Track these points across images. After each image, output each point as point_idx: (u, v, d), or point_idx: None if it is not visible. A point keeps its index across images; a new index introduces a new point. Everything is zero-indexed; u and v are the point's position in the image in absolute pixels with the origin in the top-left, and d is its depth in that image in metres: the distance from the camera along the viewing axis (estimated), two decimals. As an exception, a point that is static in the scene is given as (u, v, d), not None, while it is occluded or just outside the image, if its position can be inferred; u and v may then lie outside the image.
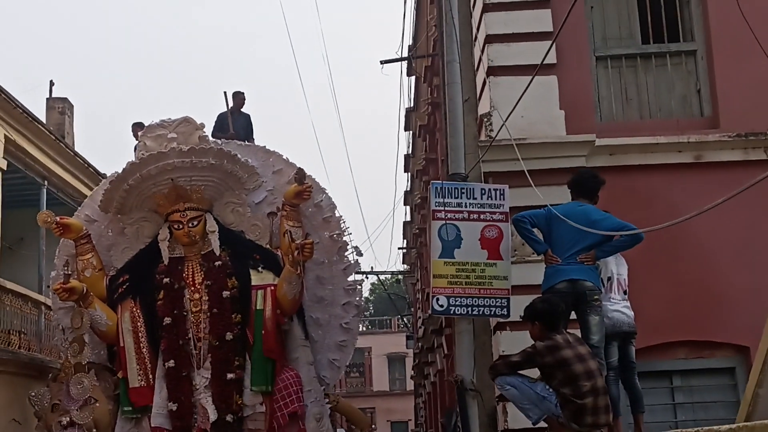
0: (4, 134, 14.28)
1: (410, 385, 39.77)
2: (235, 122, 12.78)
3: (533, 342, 6.61)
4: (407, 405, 41.72)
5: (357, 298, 10.04)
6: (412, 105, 20.34)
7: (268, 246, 9.40)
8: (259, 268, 9.12)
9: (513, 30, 8.82)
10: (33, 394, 9.52)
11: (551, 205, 7.00)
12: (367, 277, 31.25)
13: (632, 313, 7.28)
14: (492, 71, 8.88)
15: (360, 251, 10.01)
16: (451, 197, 7.42)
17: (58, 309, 9.95)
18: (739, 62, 8.73)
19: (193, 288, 9.00)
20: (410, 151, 22.95)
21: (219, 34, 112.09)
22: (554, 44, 8.61)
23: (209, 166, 9.11)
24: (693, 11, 9.15)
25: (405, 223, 27.84)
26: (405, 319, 34.20)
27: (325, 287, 9.75)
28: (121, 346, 9.01)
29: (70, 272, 8.94)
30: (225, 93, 13.11)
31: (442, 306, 7.35)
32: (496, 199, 7.54)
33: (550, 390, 6.35)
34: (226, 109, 12.96)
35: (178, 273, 9.08)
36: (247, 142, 10.99)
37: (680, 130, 8.74)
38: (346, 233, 9.86)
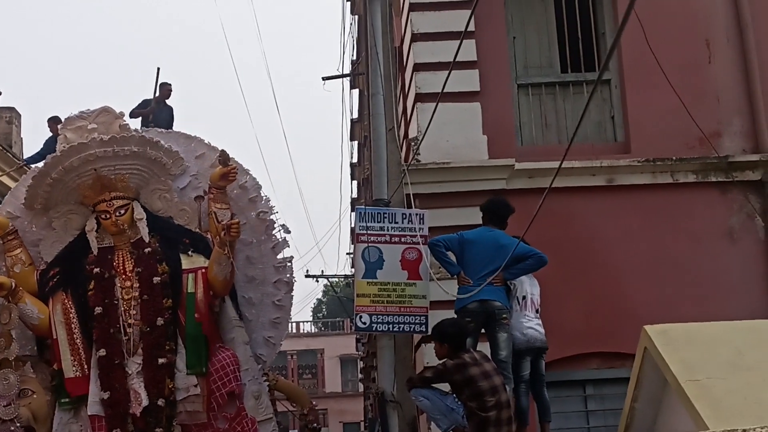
0: (-40, 154, 14.55)
1: (362, 386, 40.14)
2: (158, 113, 12.82)
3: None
4: (359, 406, 41.83)
5: (287, 275, 9.92)
6: (356, 116, 20.86)
7: (197, 230, 9.37)
8: (189, 252, 9.10)
9: (439, 59, 9.24)
10: None
11: (463, 231, 7.59)
12: (318, 281, 31.73)
13: (543, 329, 7.77)
14: (420, 98, 9.44)
15: (288, 228, 9.99)
16: (374, 221, 8.06)
17: None
18: (649, 91, 9.35)
19: (124, 276, 8.94)
20: (356, 160, 23.49)
21: (166, 35, 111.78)
22: (478, 72, 9.21)
23: (132, 154, 9.05)
24: (608, 43, 9.77)
25: (352, 229, 28.32)
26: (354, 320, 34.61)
27: (256, 266, 9.73)
28: (54, 338, 8.88)
29: None
30: (158, 69, 13.04)
31: (365, 323, 8.07)
32: (416, 223, 8.11)
33: (459, 403, 6.90)
34: (152, 97, 12.90)
35: (109, 262, 9.01)
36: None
37: (595, 155, 9.30)
38: (272, 212, 9.81)
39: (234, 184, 9.31)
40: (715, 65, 9.56)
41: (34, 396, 8.72)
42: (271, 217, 9.69)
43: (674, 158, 9.20)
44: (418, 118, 9.43)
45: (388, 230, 8.04)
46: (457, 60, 9.44)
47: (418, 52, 9.52)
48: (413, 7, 9.67)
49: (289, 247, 9.95)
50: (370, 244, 7.99)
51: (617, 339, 9.00)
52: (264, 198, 9.74)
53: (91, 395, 8.66)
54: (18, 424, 8.53)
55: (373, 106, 8.32)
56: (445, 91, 9.22)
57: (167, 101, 13.37)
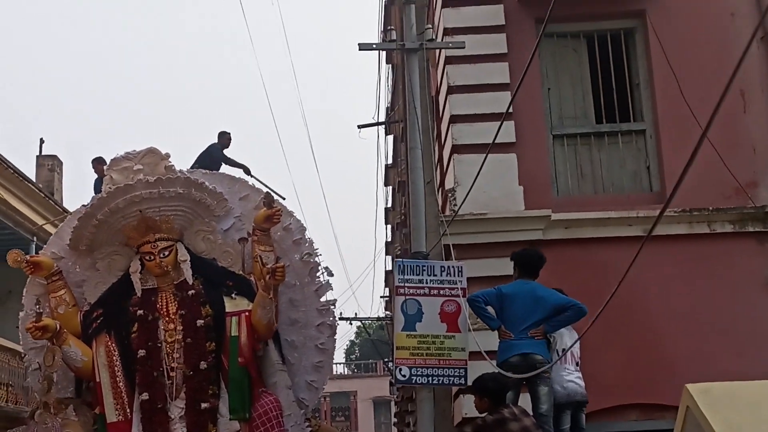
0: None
1: (395, 430, 39.89)
2: (223, 159, 12.86)
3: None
4: None
5: (330, 318, 9.76)
6: (390, 162, 21.05)
7: (240, 272, 9.21)
8: (233, 295, 8.94)
9: (475, 111, 9.41)
10: None
11: (500, 285, 7.67)
12: (351, 323, 31.74)
13: (583, 383, 7.71)
14: (456, 149, 9.50)
15: (331, 271, 9.78)
16: (413, 274, 8.13)
17: (29, 349, 9.60)
18: (684, 141, 9.31)
19: (167, 318, 8.80)
20: (390, 205, 23.65)
21: (203, 90, 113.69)
22: (513, 123, 9.32)
23: (177, 196, 8.95)
24: (642, 93, 9.76)
25: (387, 272, 28.44)
26: (389, 364, 34.56)
27: (299, 309, 9.57)
28: (97, 381, 8.72)
29: (41, 310, 8.68)
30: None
31: (404, 376, 8.08)
32: (454, 275, 8.18)
33: None
34: (213, 145, 12.93)
35: (152, 304, 8.86)
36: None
37: (630, 205, 9.34)
38: (316, 254, 9.68)
39: (278, 226, 9.18)
40: (750, 115, 9.53)
41: None
42: (315, 259, 9.56)
43: (711, 208, 9.19)
44: (455, 169, 9.53)
45: (426, 283, 8.10)
46: (492, 111, 9.63)
47: (454, 104, 9.59)
48: (449, 60, 9.69)
49: (332, 290, 9.74)
50: (409, 297, 8.05)
51: (656, 390, 8.94)
52: (308, 240, 9.61)
53: None
54: None
55: (411, 160, 8.39)
56: (481, 142, 9.38)
57: (225, 150, 13.33)
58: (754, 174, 9.38)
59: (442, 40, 9.88)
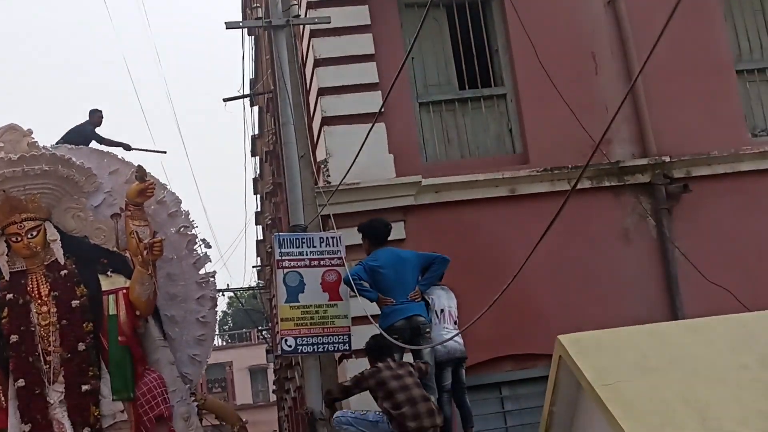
0: None
1: (273, 397, 40.01)
2: (97, 139, 12.28)
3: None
4: (272, 416, 41.48)
5: (211, 291, 9.71)
6: (256, 132, 21.00)
7: (115, 249, 9.03)
8: (109, 273, 8.79)
9: (342, 83, 9.47)
10: None
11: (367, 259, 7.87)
12: (224, 294, 31.63)
13: (462, 340, 7.94)
14: (326, 121, 9.49)
15: (208, 243, 9.71)
16: (293, 247, 8.08)
17: None
18: (543, 104, 9.53)
19: (39, 301, 8.56)
20: (258, 175, 23.62)
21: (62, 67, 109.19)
22: (380, 93, 9.54)
23: (43, 173, 8.68)
24: (501, 59, 9.94)
25: (258, 242, 28.39)
26: (264, 332, 34.59)
27: (177, 283, 9.47)
28: None
29: None
30: None
31: (290, 346, 7.88)
32: (333, 245, 8.19)
33: (379, 413, 7.26)
34: (84, 123, 12.37)
35: (22, 287, 8.59)
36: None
37: (496, 167, 9.52)
38: (193, 227, 9.56)
39: (152, 199, 9.02)
40: (601, 76, 9.83)
41: None
42: (192, 232, 9.48)
43: (570, 166, 9.40)
44: (326, 141, 9.51)
45: (307, 254, 8.16)
46: (360, 83, 9.80)
47: (322, 77, 9.56)
48: (314, 34, 9.57)
49: (211, 261, 9.69)
50: (289, 270, 8.09)
51: (528, 341, 9.30)
52: (184, 213, 9.49)
53: (10, 428, 8.29)
54: None
55: (284, 135, 8.40)
56: (350, 113, 9.56)
57: (98, 129, 12.74)
58: (608, 132, 9.92)
59: (306, 14, 9.87)
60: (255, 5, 9.93)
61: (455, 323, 8.02)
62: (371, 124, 8.27)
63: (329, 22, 9.13)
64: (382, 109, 8.96)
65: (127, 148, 12.49)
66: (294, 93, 8.49)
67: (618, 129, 9.75)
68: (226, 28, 8.90)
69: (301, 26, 9.69)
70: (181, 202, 9.53)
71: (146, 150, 13.68)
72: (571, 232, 9.45)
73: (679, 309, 9.30)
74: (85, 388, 8.29)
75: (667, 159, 9.66)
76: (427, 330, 7.70)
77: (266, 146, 18.29)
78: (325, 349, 8.06)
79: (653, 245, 9.61)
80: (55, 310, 8.50)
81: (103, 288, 8.67)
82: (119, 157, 9.58)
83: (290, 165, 8.42)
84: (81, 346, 8.37)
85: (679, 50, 9.73)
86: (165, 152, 14.45)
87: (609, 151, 9.63)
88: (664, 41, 4.32)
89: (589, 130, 9.28)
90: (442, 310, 7.98)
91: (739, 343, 5.27)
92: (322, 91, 9.52)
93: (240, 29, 10.70)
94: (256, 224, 27.29)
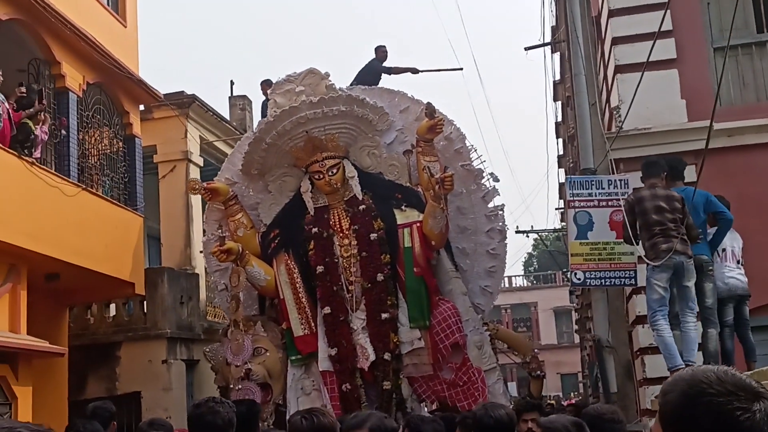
0: (199, 135, 16.52)
1: (577, 338, 40.48)
2: (386, 71, 12.38)
3: None
4: (575, 357, 41.70)
5: (500, 223, 9.71)
6: (558, 78, 21.47)
7: (408, 184, 9.20)
8: (403, 207, 9.00)
9: (635, 31, 9.47)
10: (207, 349, 9.52)
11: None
12: (528, 236, 32.46)
13: (746, 278, 7.80)
14: (619, 69, 9.44)
15: (496, 177, 9.67)
16: (583, 189, 8.56)
17: (213, 271, 9.91)
18: None
19: (341, 234, 8.93)
20: (561, 119, 24.10)
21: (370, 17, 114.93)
22: (674, 40, 9.80)
23: (340, 114, 8.97)
24: None
25: (560, 185, 28.92)
26: (568, 274, 35.07)
27: (467, 217, 9.55)
28: (281, 298, 8.94)
29: (223, 234, 8.86)
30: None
31: (579, 279, 8.50)
32: (621, 187, 8.53)
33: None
34: (372, 61, 12.41)
35: (325, 221, 8.99)
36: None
37: None
38: (480, 161, 9.51)
39: (440, 136, 9.10)
40: None
41: (268, 354, 8.86)
42: (479, 166, 9.47)
43: None
44: (618, 88, 9.49)
45: (596, 196, 8.54)
46: (653, 30, 10.06)
47: (615, 26, 9.63)
48: None
49: (499, 195, 9.64)
50: (580, 209, 8.49)
51: None
52: (470, 147, 9.50)
53: (320, 352, 8.75)
54: (254, 381, 8.67)
55: (576, 85, 8.84)
56: (642, 60, 9.90)
57: (384, 64, 12.77)
58: None
59: None
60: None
61: (738, 262, 8.19)
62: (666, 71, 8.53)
63: None
64: (674, 56, 9.26)
65: (415, 71, 12.57)
66: (585, 45, 8.96)
67: None
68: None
69: (596, -23, 10.11)
70: (465, 137, 9.51)
71: (441, 70, 13.54)
72: None
73: None
74: (384, 315, 8.60)
75: None
76: (710, 268, 7.97)
77: (568, 91, 18.73)
78: (613, 283, 8.43)
79: None
80: (356, 242, 8.82)
81: (399, 221, 8.90)
82: (409, 95, 9.67)
83: (581, 113, 8.91)
84: (380, 277, 8.68)
85: None
86: (461, 68, 14.26)
87: None
88: None
89: None
90: (723, 250, 7.93)
91: None
92: (616, 41, 9.80)
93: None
94: (559, 167, 27.79)
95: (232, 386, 8.60)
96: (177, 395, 13.08)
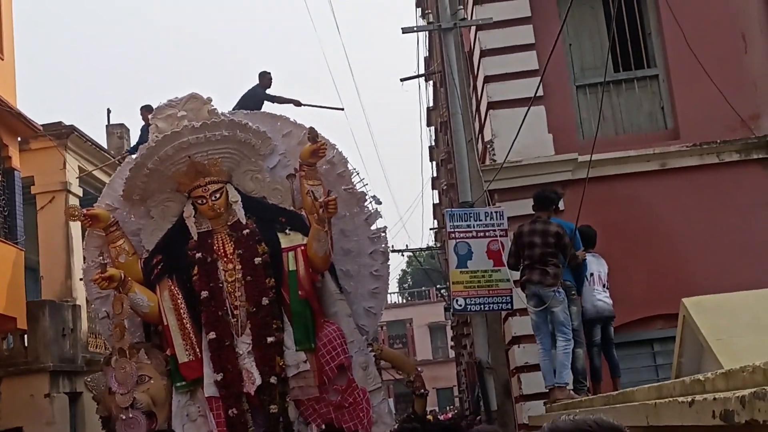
0: (78, 166, 16.43)
1: (452, 353, 41.42)
2: (269, 98, 12.29)
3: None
4: (450, 372, 42.08)
5: (383, 245, 9.78)
6: (431, 105, 22.32)
7: (291, 208, 9.18)
8: (287, 231, 8.98)
9: (506, 70, 10.11)
10: (89, 379, 9.22)
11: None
12: (403, 255, 33.29)
13: (611, 301, 8.48)
14: (491, 105, 10.03)
15: (378, 199, 9.75)
16: (462, 221, 9.15)
17: (94, 299, 9.56)
18: (693, 83, 9.81)
19: (225, 259, 8.83)
20: (434, 143, 25.02)
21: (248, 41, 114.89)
22: (540, 79, 10.59)
23: (223, 138, 8.88)
24: (654, 42, 10.26)
25: (434, 205, 29.93)
26: (442, 291, 36.02)
27: (350, 239, 9.60)
28: (165, 324, 8.78)
29: (105, 261, 8.66)
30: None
31: (460, 306, 8.99)
32: (496, 219, 9.14)
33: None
34: (255, 86, 12.27)
35: (209, 246, 8.86)
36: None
37: (648, 143, 9.97)
38: (363, 184, 9.57)
39: (322, 159, 9.15)
40: (750, 55, 10.04)
41: (152, 381, 8.70)
42: (362, 189, 9.57)
43: (719, 141, 9.71)
44: (491, 123, 9.97)
45: (474, 227, 9.13)
46: (521, 70, 10.82)
47: (487, 65, 10.16)
48: (480, 27, 10.25)
49: (381, 217, 9.76)
50: (459, 240, 9.02)
51: (677, 302, 10.21)
52: (353, 171, 9.59)
53: (206, 377, 8.61)
54: (139, 410, 8.50)
55: (453, 123, 9.49)
56: (512, 98, 10.63)
57: (268, 90, 12.73)
58: (756, 107, 9.91)
59: (473, 12, 10.36)
60: (427, 11, 11.11)
61: (604, 286, 8.92)
62: (534, 107, 9.20)
63: (491, 22, 9.77)
64: (542, 93, 9.97)
65: (298, 104, 12.53)
66: (461, 85, 9.63)
67: (766, 105, 9.89)
68: (403, 33, 10.11)
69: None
70: (348, 162, 9.56)
71: (323, 107, 13.57)
72: (721, 202, 10.00)
73: (829, 272, 8.97)
74: (270, 339, 8.55)
75: (816, 131, 9.12)
76: (573, 293, 8.68)
77: (441, 117, 19.55)
78: (491, 308, 8.97)
79: (799, 214, 9.15)
80: (240, 267, 8.74)
81: (283, 245, 8.86)
82: (291, 120, 9.63)
83: (459, 150, 9.50)
84: (265, 301, 8.62)
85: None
86: (342, 109, 14.35)
87: (757, 126, 9.80)
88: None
89: (737, 107, 9.91)
90: (591, 274, 8.49)
91: None
92: (488, 79, 10.33)
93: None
94: (433, 189, 28.82)
95: (115, 415, 8.39)
96: (60, 429, 12.91)
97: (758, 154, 9.98)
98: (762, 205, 9.95)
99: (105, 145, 17.26)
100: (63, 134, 14.61)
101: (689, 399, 2.96)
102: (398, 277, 59.25)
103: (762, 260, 9.81)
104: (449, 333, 38.42)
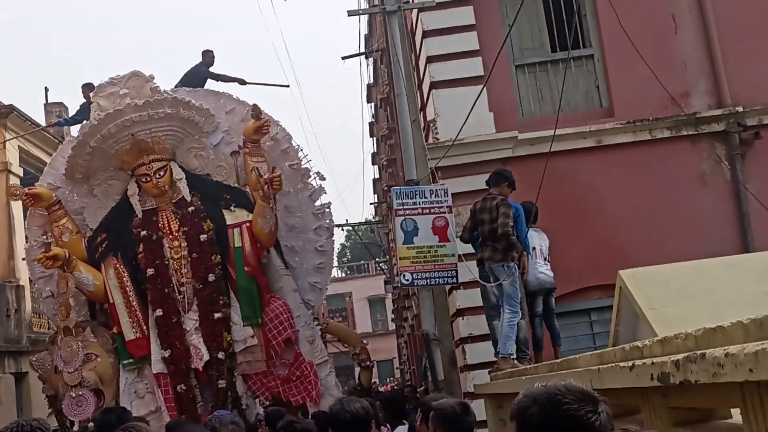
0: (18, 145, 16.30)
1: (392, 325, 41.86)
2: (213, 77, 11.97)
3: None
4: (390, 344, 42.20)
5: (327, 221, 9.87)
6: (371, 81, 22.54)
7: (235, 185, 9.19)
8: (232, 207, 9.04)
9: (447, 51, 10.27)
10: (34, 359, 9.18)
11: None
12: (343, 229, 33.54)
13: (552, 273, 8.79)
14: (434, 85, 10.19)
15: (323, 176, 9.82)
16: (408, 198, 9.19)
17: (38, 279, 9.49)
18: (627, 62, 10.07)
19: (171, 236, 8.85)
20: (374, 119, 25.24)
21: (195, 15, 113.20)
22: (481, 59, 10.88)
23: (166, 116, 8.87)
24: (589, 23, 10.56)
25: (374, 180, 30.17)
26: (381, 264, 36.34)
27: (295, 215, 9.67)
28: (111, 302, 8.78)
29: (48, 240, 8.65)
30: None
31: (407, 280, 9.16)
32: (441, 196, 9.30)
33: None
34: (198, 64, 12.01)
35: (154, 224, 8.86)
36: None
37: (584, 121, 10.24)
38: (305, 160, 9.64)
39: (266, 136, 9.20)
40: (680, 35, 10.44)
41: (99, 359, 8.71)
42: (305, 165, 9.64)
43: (651, 118, 10.07)
44: (434, 102, 10.19)
45: (419, 204, 9.25)
46: (462, 50, 11.09)
47: (429, 46, 10.31)
48: (422, 9, 10.45)
49: (326, 193, 9.85)
50: (406, 217, 9.18)
51: (613, 273, 10.68)
52: (296, 147, 9.63)
53: (153, 354, 8.66)
54: (86, 388, 8.49)
55: (399, 104, 9.67)
56: (454, 77, 10.90)
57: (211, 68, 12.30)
58: (686, 86, 10.31)
59: None
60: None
61: (545, 259, 9.27)
62: (475, 87, 9.48)
63: (434, 4, 10.02)
64: (483, 73, 10.26)
65: (243, 82, 12.34)
66: (405, 67, 9.88)
67: (695, 83, 10.24)
68: (348, 15, 10.28)
69: (412, 1, 11.03)
70: (291, 138, 9.63)
71: (268, 84, 13.76)
72: (653, 177, 10.28)
73: (750, 243, 9.82)
74: (217, 315, 8.61)
75: (741, 109, 10.08)
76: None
77: (381, 94, 19.78)
78: (437, 282, 9.15)
79: (727, 187, 10.18)
80: (186, 244, 8.78)
81: (228, 222, 8.93)
82: (234, 97, 9.64)
83: (404, 129, 9.74)
84: (211, 277, 8.67)
85: (754, 7, 10.71)
86: (288, 86, 14.79)
87: (687, 104, 10.15)
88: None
89: (668, 86, 10.33)
90: (533, 248, 8.75)
91: (765, 275, 6.54)
92: (430, 59, 10.31)
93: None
94: (373, 164, 29.05)
95: (62, 394, 8.35)
96: (7, 409, 12.84)
97: (688, 130, 10.37)
98: (691, 179, 10.40)
99: (44, 125, 17.02)
100: (2, 114, 14.36)
101: (630, 364, 3.28)
102: (337, 251, 59.20)
103: (692, 233, 10.22)
104: (389, 306, 38.65)
